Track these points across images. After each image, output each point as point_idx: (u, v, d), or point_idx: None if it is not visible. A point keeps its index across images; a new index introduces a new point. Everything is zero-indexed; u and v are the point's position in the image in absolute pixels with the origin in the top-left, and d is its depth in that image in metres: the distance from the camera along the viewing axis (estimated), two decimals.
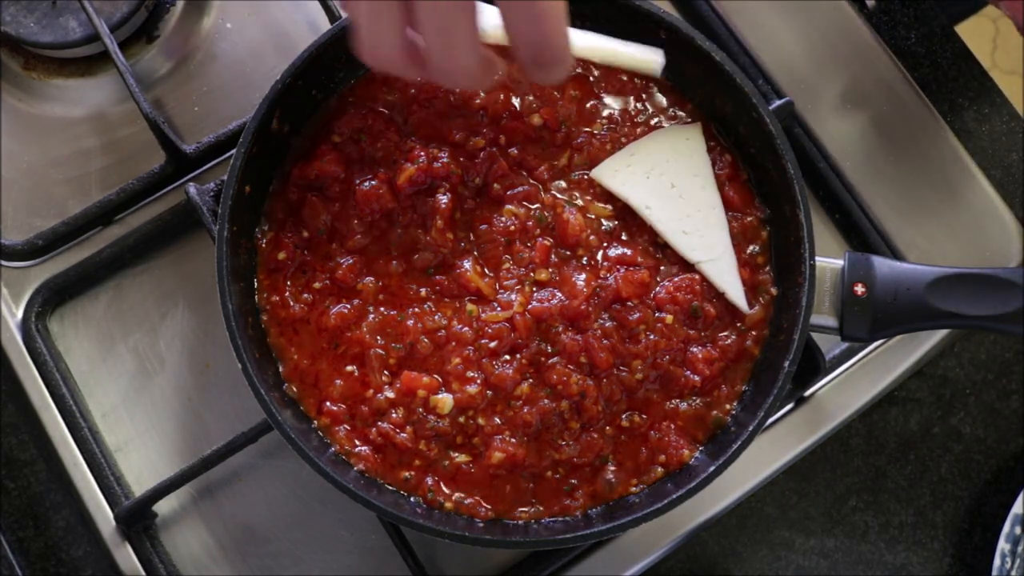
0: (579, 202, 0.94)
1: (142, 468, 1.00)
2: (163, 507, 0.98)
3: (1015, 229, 1.05)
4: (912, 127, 1.07)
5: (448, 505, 0.89)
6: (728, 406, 0.92)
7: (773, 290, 0.93)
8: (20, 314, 1.01)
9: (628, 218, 0.94)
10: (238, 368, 0.86)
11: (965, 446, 1.05)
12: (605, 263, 0.92)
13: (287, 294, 0.92)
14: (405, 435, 0.89)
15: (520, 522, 0.89)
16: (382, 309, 0.92)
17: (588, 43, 0.95)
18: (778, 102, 1.03)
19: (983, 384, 1.06)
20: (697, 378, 0.90)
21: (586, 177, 0.95)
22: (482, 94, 0.95)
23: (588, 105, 0.97)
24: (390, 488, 0.89)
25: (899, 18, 1.13)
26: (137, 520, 0.96)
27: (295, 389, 0.91)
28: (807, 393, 1.01)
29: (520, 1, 0.70)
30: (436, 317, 0.91)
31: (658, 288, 0.92)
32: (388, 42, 0.72)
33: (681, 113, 0.98)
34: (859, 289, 0.88)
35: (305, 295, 0.92)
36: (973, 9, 1.45)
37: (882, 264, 0.89)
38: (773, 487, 1.02)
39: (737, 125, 0.95)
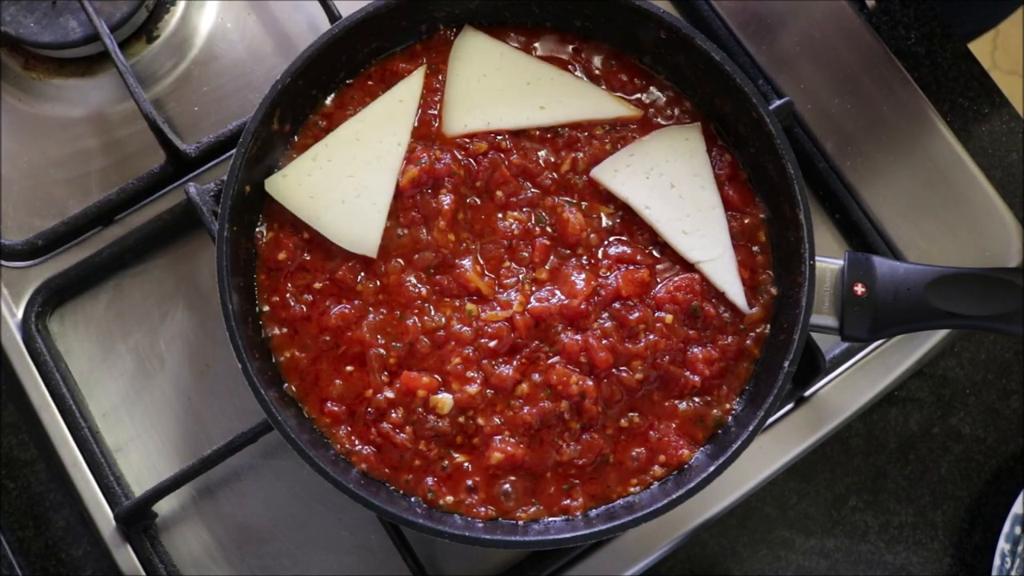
0: (579, 202, 0.94)
1: (142, 468, 0.99)
2: (163, 507, 0.98)
3: (1015, 229, 1.05)
4: (912, 127, 1.07)
5: (448, 505, 0.89)
6: (728, 406, 0.92)
7: (773, 290, 0.93)
8: (20, 314, 1.01)
9: (628, 217, 0.94)
10: (238, 368, 0.86)
11: (965, 446, 1.04)
12: (605, 261, 0.93)
13: (287, 294, 0.92)
14: (405, 435, 0.89)
15: (520, 522, 0.89)
16: (382, 309, 0.92)
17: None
18: (778, 102, 1.03)
19: (983, 384, 1.06)
20: (697, 378, 0.90)
21: (586, 179, 0.95)
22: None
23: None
24: (390, 488, 0.89)
25: (899, 18, 1.13)
26: (137, 520, 0.96)
27: (295, 389, 0.91)
28: (807, 393, 1.01)
29: None
30: (436, 317, 0.91)
31: (658, 288, 0.92)
32: None
33: (680, 113, 0.98)
34: (859, 289, 0.88)
35: (305, 295, 0.92)
36: (985, 29, 1.45)
37: (882, 264, 0.89)
38: (773, 487, 1.02)
39: (737, 125, 0.95)
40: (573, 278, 0.92)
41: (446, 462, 0.89)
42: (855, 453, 1.04)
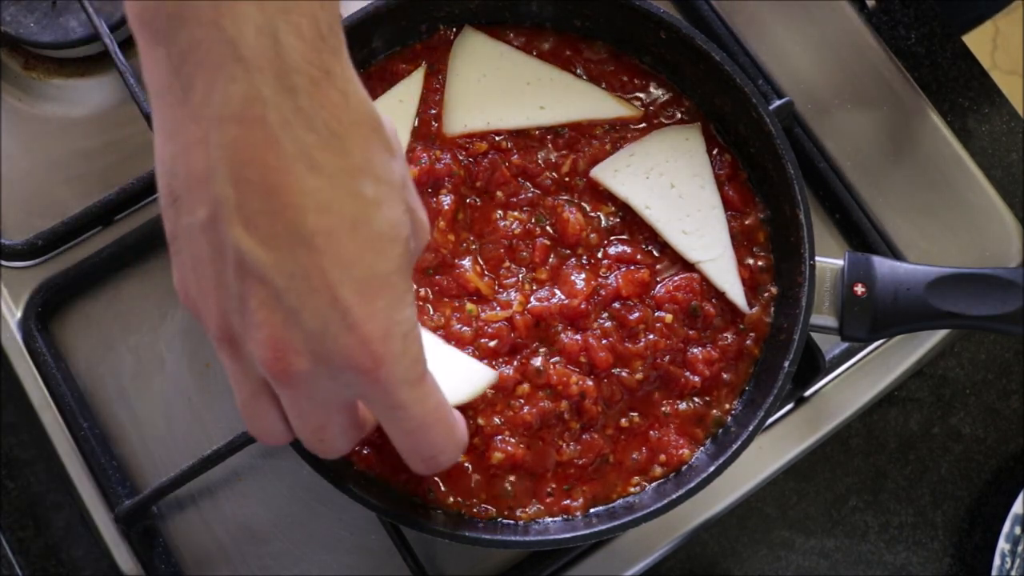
0: (579, 202, 0.94)
1: (142, 468, 0.99)
2: (163, 507, 0.98)
3: (1015, 229, 1.05)
4: (912, 127, 1.07)
5: (449, 505, 0.89)
6: (728, 406, 0.92)
7: (773, 290, 0.93)
8: (20, 314, 1.01)
9: (628, 217, 0.94)
10: None
11: (965, 446, 1.05)
12: (605, 261, 0.93)
13: None
14: None
15: (520, 522, 0.89)
16: None
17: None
18: (778, 102, 1.03)
19: (983, 384, 1.06)
20: (697, 379, 0.90)
21: (587, 179, 0.95)
22: None
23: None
24: (390, 488, 0.89)
25: (899, 18, 1.13)
26: (137, 520, 0.96)
27: None
28: (807, 393, 1.01)
29: (397, 418, 0.68)
30: (435, 317, 0.91)
31: (658, 288, 0.92)
32: (273, 427, 0.73)
33: (680, 113, 0.98)
34: (859, 289, 0.88)
35: None
36: (981, 19, 1.45)
37: (882, 264, 0.89)
38: (773, 487, 1.02)
39: (737, 125, 0.95)
40: (573, 278, 0.92)
41: None
42: (855, 453, 1.04)
